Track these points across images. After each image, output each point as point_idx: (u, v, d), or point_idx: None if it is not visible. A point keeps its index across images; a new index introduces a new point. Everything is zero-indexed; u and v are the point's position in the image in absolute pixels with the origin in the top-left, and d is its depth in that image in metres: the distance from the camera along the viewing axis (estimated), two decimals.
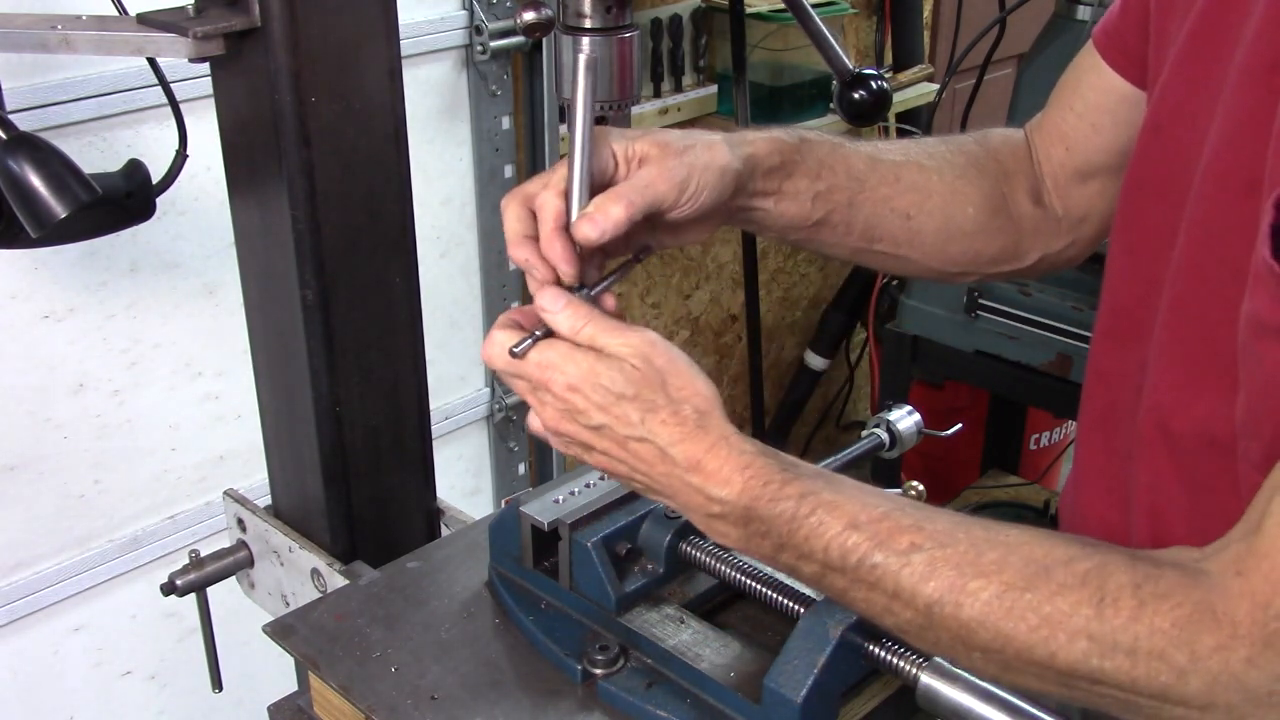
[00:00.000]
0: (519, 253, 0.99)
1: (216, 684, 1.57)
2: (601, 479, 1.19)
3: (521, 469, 2.77)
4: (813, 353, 3.48)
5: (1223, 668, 0.74)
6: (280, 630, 1.19)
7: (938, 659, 0.97)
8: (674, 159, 1.01)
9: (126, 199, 1.59)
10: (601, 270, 1.03)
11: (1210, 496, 0.93)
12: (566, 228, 0.97)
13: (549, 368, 0.95)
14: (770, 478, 0.90)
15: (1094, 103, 1.16)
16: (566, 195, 0.98)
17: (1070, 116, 1.19)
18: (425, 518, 1.52)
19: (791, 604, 1.08)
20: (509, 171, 2.47)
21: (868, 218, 1.16)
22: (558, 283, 0.98)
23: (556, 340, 0.96)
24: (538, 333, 0.97)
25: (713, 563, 1.13)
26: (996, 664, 0.83)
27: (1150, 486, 1.00)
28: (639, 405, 0.93)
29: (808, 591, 1.08)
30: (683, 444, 0.92)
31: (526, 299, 2.72)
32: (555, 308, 0.96)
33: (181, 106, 1.57)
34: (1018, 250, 1.22)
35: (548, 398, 0.96)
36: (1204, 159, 0.91)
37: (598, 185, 0.99)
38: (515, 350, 0.96)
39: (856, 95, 1.37)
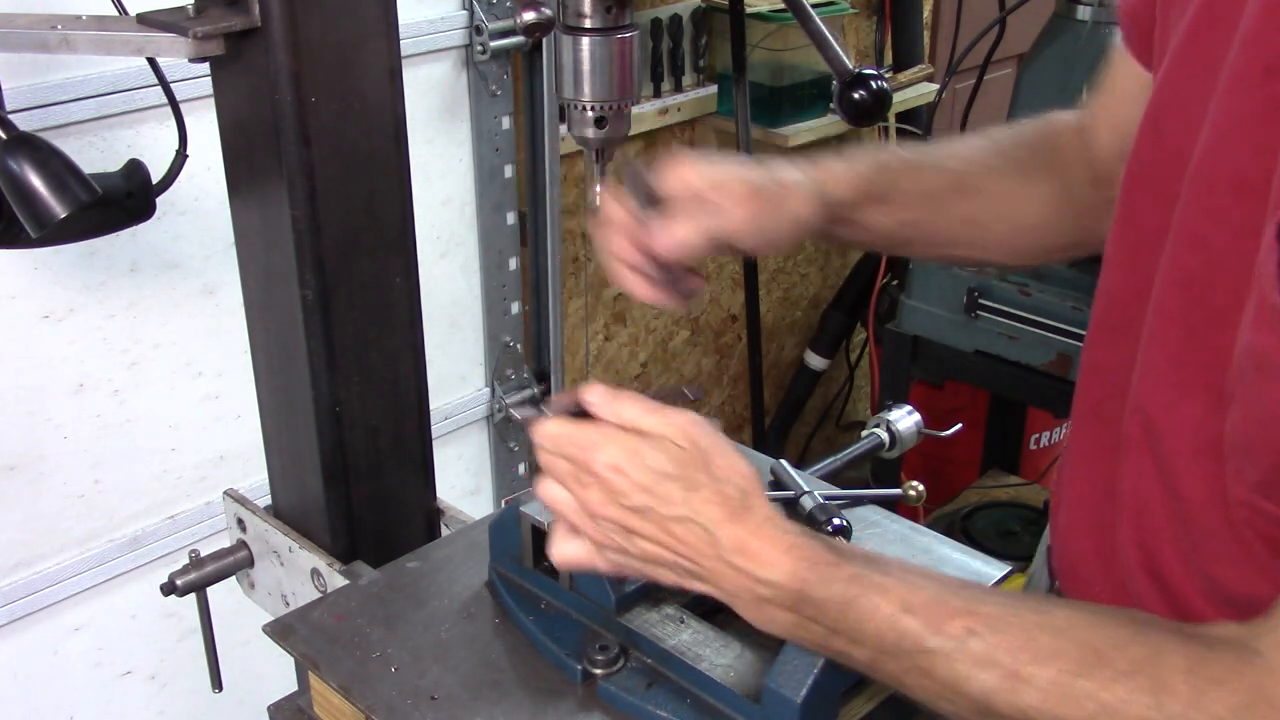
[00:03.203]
0: (615, 239, 1.06)
1: (216, 684, 1.57)
2: None
3: (521, 469, 2.77)
4: (813, 353, 3.48)
5: None
6: (280, 630, 1.19)
7: None
8: (748, 200, 1.06)
9: (126, 199, 1.59)
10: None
11: (1193, 500, 0.93)
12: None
13: (591, 448, 0.94)
14: (818, 559, 0.89)
15: (1122, 88, 1.16)
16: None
17: (1109, 100, 1.19)
18: (425, 518, 1.52)
19: None
20: (509, 171, 2.47)
21: (944, 230, 1.18)
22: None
23: (600, 423, 0.96)
24: (576, 410, 0.98)
25: None
26: None
27: (1135, 486, 1.00)
28: (682, 484, 0.92)
29: None
30: (727, 524, 0.91)
31: (526, 299, 2.72)
32: (597, 395, 0.97)
33: (181, 106, 1.57)
34: (1089, 238, 1.22)
35: (588, 479, 0.94)
36: (1194, 159, 0.91)
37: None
38: (546, 410, 0.98)
39: (856, 95, 1.37)
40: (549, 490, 0.98)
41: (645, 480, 0.92)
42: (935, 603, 0.85)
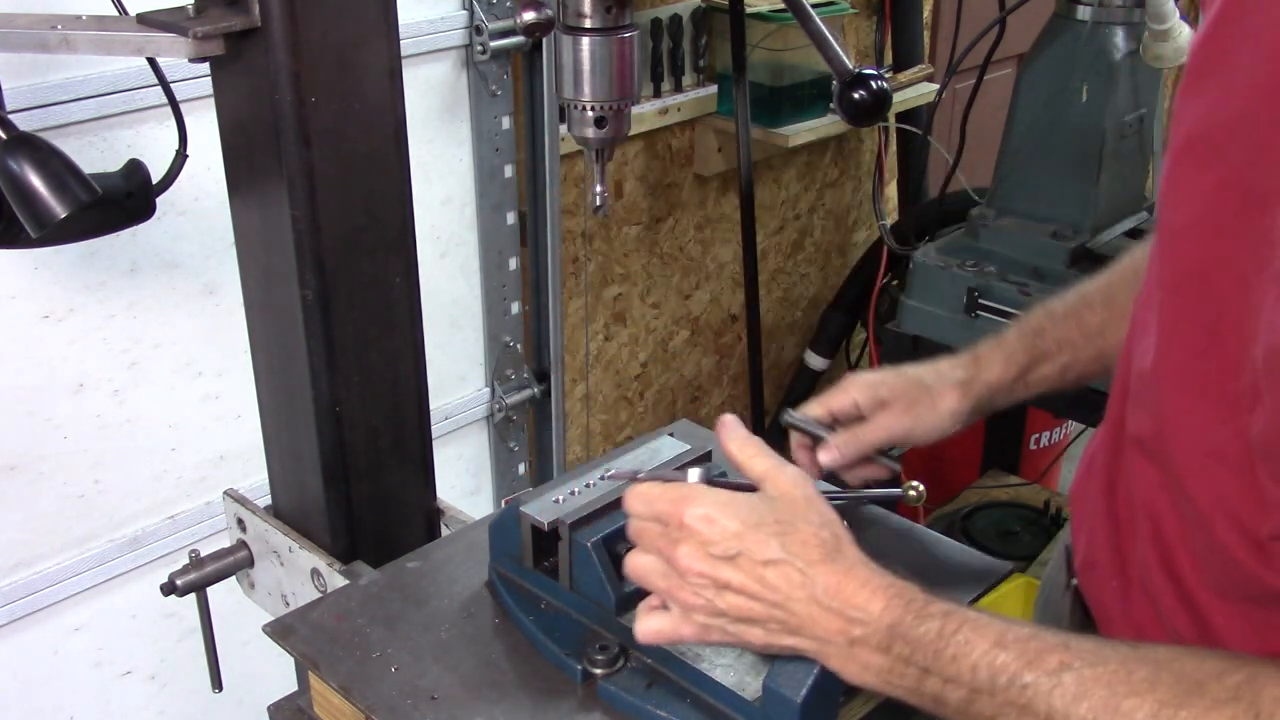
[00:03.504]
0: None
1: (216, 684, 1.57)
2: (602, 479, 1.19)
3: (521, 469, 2.77)
4: (813, 353, 3.48)
5: None
6: (280, 630, 1.19)
7: None
8: (904, 412, 1.24)
9: (126, 199, 1.59)
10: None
11: (1201, 503, 0.92)
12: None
13: (684, 500, 0.95)
14: (912, 597, 0.90)
15: None
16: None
17: None
18: (425, 518, 1.52)
19: None
20: (509, 171, 2.47)
21: (1107, 357, 1.21)
22: None
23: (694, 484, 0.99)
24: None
25: None
26: None
27: (1145, 490, 1.00)
28: (776, 528, 0.93)
29: None
30: (822, 565, 0.92)
31: (526, 299, 2.72)
32: (729, 422, 1.04)
33: (181, 106, 1.57)
34: None
35: (679, 534, 0.95)
36: (1212, 160, 0.90)
37: (844, 419, 1.28)
38: (641, 478, 1.03)
39: (856, 95, 1.37)
40: (638, 561, 0.99)
41: (736, 527, 0.93)
42: (1031, 638, 0.86)
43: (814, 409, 1.28)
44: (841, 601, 0.91)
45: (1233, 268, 0.85)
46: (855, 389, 1.26)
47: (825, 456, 1.25)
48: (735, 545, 0.93)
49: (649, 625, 0.99)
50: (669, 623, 0.98)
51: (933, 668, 0.88)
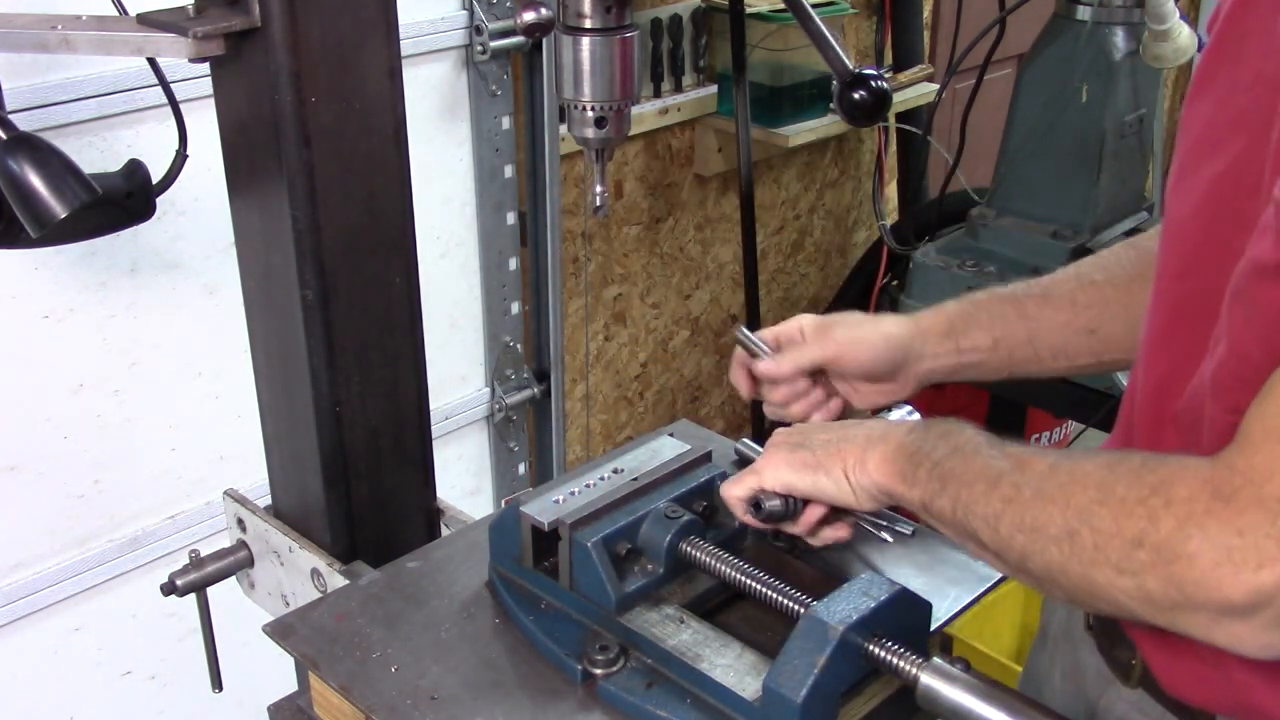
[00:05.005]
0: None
1: (216, 684, 1.57)
2: (603, 479, 1.19)
3: (521, 469, 2.77)
4: None
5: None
6: (280, 630, 1.19)
7: (936, 660, 0.97)
8: (843, 335, 1.31)
9: (126, 199, 1.59)
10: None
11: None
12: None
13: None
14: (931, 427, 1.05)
15: None
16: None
17: None
18: (425, 518, 1.52)
19: (791, 604, 1.08)
20: (509, 171, 2.47)
21: (1053, 344, 1.29)
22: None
23: None
24: None
25: (713, 563, 1.13)
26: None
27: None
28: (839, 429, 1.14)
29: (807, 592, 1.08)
30: (874, 425, 1.11)
31: (526, 299, 2.72)
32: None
33: (181, 106, 1.57)
34: None
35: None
36: (1215, 153, 0.92)
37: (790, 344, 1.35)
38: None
39: (856, 95, 1.37)
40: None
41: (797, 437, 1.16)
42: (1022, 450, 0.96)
43: (764, 334, 1.36)
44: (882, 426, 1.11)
45: (1230, 252, 0.87)
46: (805, 319, 1.35)
47: (762, 366, 1.33)
48: (799, 437, 1.15)
49: (729, 489, 1.16)
50: (746, 481, 1.14)
51: (937, 470, 1.00)
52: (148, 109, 1.89)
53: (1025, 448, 0.97)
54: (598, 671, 1.09)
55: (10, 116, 1.33)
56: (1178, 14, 2.31)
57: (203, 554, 1.51)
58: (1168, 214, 1.02)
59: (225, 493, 1.54)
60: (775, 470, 1.13)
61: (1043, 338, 1.29)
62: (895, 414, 1.34)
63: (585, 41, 1.15)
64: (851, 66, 1.37)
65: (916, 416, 1.35)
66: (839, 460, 1.10)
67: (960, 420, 1.05)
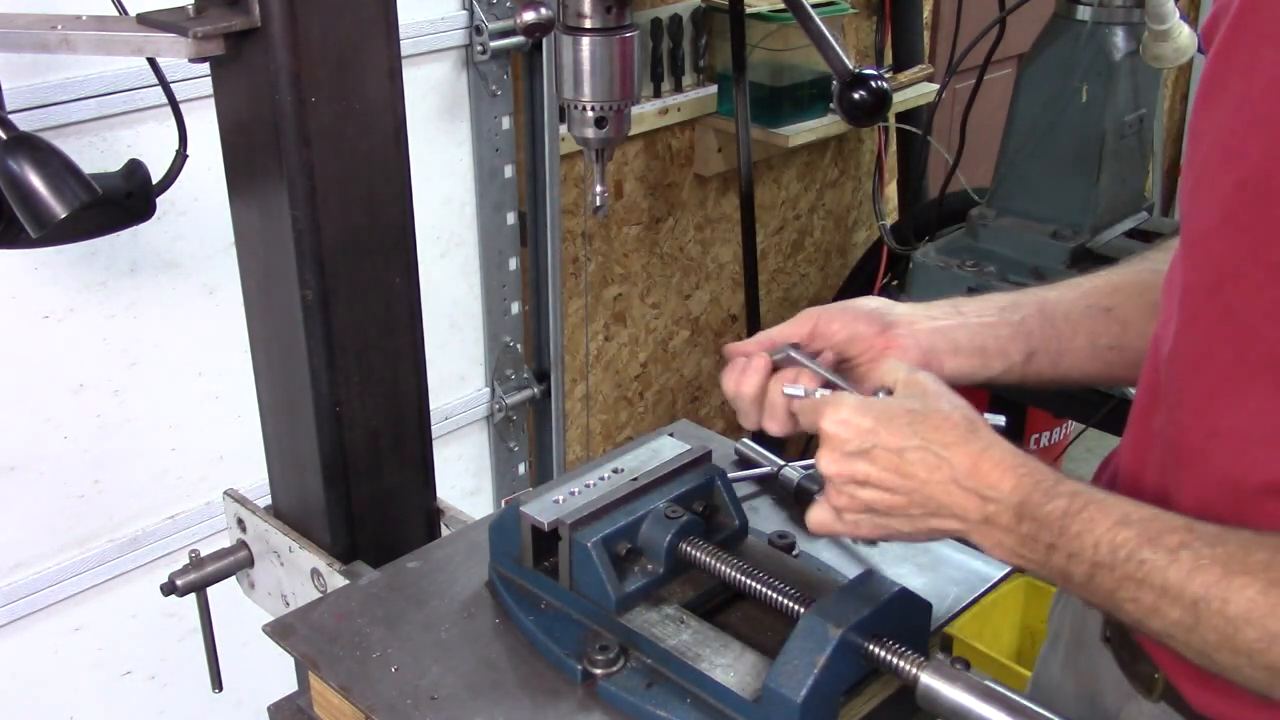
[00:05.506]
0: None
1: (216, 684, 1.57)
2: (603, 479, 1.19)
3: (521, 469, 2.77)
4: None
5: None
6: (280, 630, 1.19)
7: (936, 660, 0.97)
8: (805, 316, 1.18)
9: (126, 199, 1.59)
10: None
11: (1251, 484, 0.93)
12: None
13: (825, 408, 1.01)
14: (1042, 477, 0.93)
15: None
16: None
17: None
18: (425, 518, 1.52)
19: (791, 604, 1.08)
20: (509, 171, 2.47)
21: (1080, 365, 1.19)
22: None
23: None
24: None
25: (713, 563, 1.13)
26: (1264, 668, 0.82)
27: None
28: (909, 417, 0.97)
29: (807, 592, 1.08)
30: (957, 447, 0.96)
31: (526, 299, 2.72)
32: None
33: (181, 106, 1.57)
34: None
35: (820, 442, 1.01)
36: (1233, 160, 0.91)
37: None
38: (790, 392, 1.07)
39: (856, 95, 1.37)
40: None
41: (869, 424, 0.98)
42: (1154, 518, 0.88)
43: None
44: (977, 480, 0.94)
45: (1260, 262, 0.86)
46: (815, 312, 1.22)
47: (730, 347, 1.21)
48: (870, 440, 0.97)
49: (813, 516, 1.05)
50: (827, 516, 1.03)
51: (1058, 544, 0.91)
52: (148, 109, 1.89)
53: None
54: (598, 671, 1.09)
55: (10, 116, 1.33)
56: (1178, 14, 2.31)
57: (203, 554, 1.51)
58: (1188, 224, 0.99)
59: (225, 493, 1.54)
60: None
61: (1068, 356, 1.20)
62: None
63: (585, 41, 1.15)
64: (851, 66, 1.37)
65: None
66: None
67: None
